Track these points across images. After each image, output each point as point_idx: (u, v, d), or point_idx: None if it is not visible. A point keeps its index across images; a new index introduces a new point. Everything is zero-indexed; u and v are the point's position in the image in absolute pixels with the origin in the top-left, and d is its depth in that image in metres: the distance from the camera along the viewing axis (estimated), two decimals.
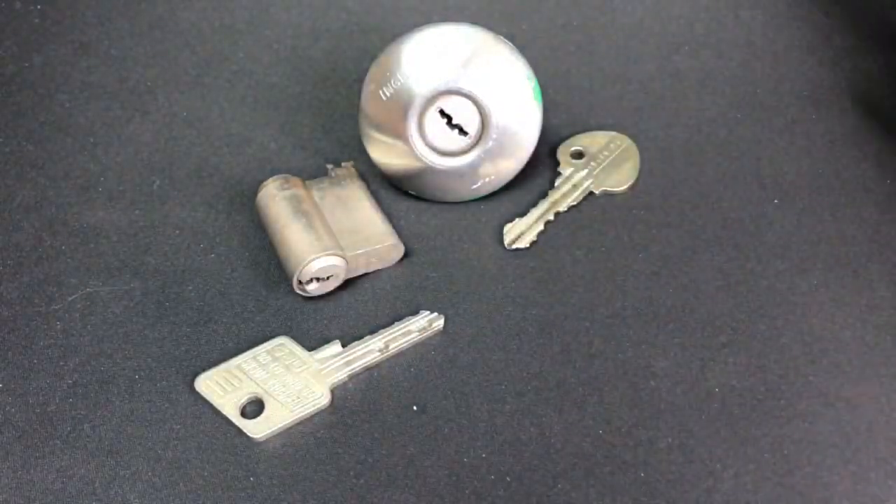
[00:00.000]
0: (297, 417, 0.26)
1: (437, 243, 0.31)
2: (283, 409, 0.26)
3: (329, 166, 0.33)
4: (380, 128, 0.31)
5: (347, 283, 0.29)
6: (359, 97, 0.31)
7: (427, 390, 0.27)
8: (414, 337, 0.28)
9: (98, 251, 0.30)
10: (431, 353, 0.28)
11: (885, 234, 0.32)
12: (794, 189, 0.33)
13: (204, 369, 0.27)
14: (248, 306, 0.29)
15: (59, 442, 0.25)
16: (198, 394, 0.26)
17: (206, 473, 0.25)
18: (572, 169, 0.34)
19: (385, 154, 0.31)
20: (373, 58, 0.31)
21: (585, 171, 0.33)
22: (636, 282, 0.30)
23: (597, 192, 0.33)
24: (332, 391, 0.26)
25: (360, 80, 0.31)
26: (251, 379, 0.26)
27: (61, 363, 0.27)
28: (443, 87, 0.29)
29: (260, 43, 0.39)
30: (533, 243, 0.31)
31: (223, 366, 0.27)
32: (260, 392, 0.26)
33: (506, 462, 0.25)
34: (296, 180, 0.31)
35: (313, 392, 0.26)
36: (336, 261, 0.28)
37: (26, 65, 0.38)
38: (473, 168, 0.31)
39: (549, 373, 0.27)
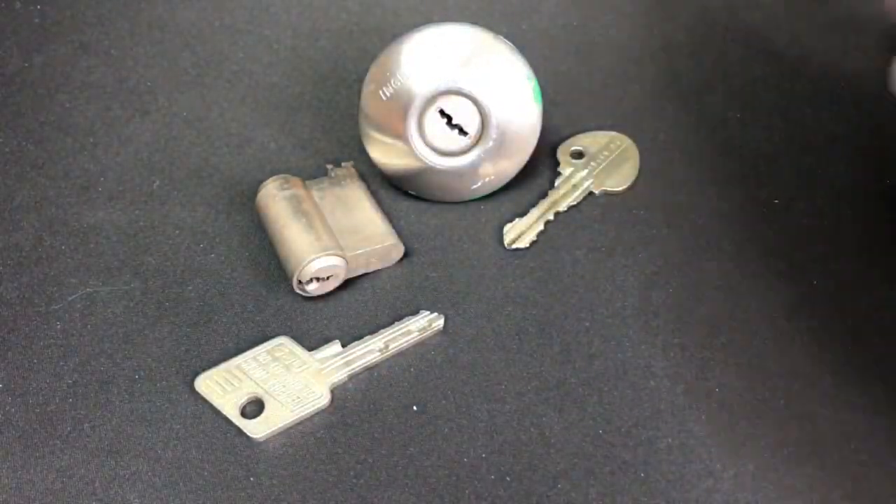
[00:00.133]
0: (297, 417, 0.26)
1: (437, 243, 0.31)
2: (283, 409, 0.26)
3: (329, 166, 0.33)
4: (380, 128, 0.31)
5: (347, 283, 0.29)
6: (359, 97, 0.31)
7: (427, 390, 0.27)
8: (414, 337, 0.28)
9: (98, 251, 0.30)
10: (431, 353, 0.28)
11: (886, 235, 0.32)
12: (794, 189, 0.33)
13: (204, 369, 0.27)
14: (248, 306, 0.29)
15: (59, 442, 0.25)
16: (198, 394, 0.26)
17: (206, 473, 0.25)
18: (572, 169, 0.34)
19: (385, 154, 0.31)
20: (373, 58, 0.31)
21: (585, 171, 0.33)
22: (636, 282, 0.30)
23: (597, 192, 0.33)
24: (332, 391, 0.26)
25: (360, 80, 0.31)
26: (251, 379, 0.26)
27: (61, 363, 0.27)
28: (443, 87, 0.29)
29: (260, 43, 0.39)
30: (533, 243, 0.31)
31: (223, 366, 0.27)
32: (260, 392, 0.26)
33: (506, 462, 0.25)
34: (296, 180, 0.31)
35: (313, 392, 0.26)
36: (336, 261, 0.28)
37: (26, 65, 0.38)
38: (473, 168, 0.31)
39: (549, 373, 0.27)
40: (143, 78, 0.37)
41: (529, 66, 0.31)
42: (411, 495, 0.24)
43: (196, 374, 0.27)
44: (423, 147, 0.30)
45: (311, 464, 0.25)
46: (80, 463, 0.25)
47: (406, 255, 0.30)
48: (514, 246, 0.31)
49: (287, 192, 0.30)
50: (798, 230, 0.32)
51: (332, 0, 0.41)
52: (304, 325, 0.28)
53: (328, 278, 0.28)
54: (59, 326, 0.28)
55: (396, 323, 0.28)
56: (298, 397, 0.26)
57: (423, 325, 0.28)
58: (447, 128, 0.30)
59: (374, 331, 0.28)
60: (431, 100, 0.30)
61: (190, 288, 0.29)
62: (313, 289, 0.28)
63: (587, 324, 0.29)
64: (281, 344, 0.27)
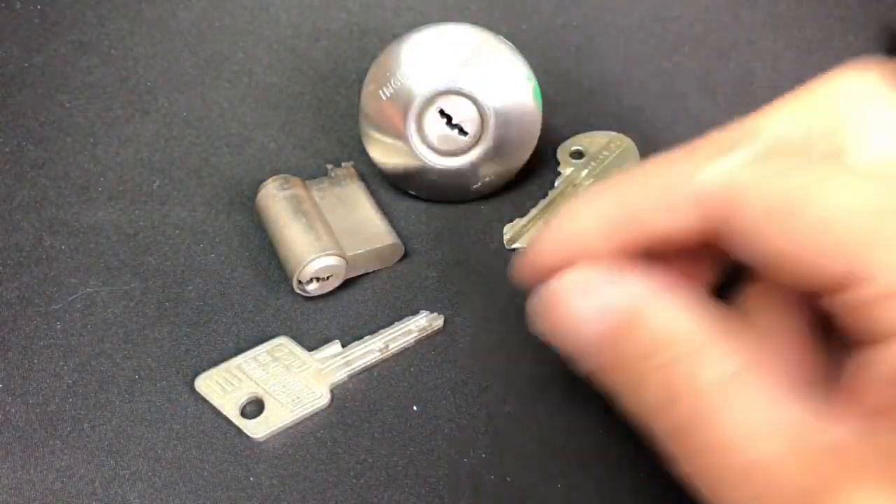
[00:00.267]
0: (296, 417, 0.26)
1: (437, 243, 0.31)
2: (283, 409, 0.26)
3: (329, 166, 0.33)
4: (380, 128, 0.31)
5: (347, 283, 0.29)
6: (359, 97, 0.31)
7: (427, 390, 0.27)
8: (414, 337, 0.28)
9: (98, 251, 0.30)
10: (431, 353, 0.28)
11: None
12: None
13: (204, 369, 0.27)
14: (248, 306, 0.29)
15: (59, 442, 0.25)
16: (198, 394, 0.26)
17: (206, 473, 0.25)
18: (572, 169, 0.34)
19: (385, 154, 0.31)
20: (373, 58, 0.31)
21: (585, 171, 0.33)
22: None
23: None
24: (332, 391, 0.26)
25: (360, 80, 0.31)
26: (251, 379, 0.26)
27: (61, 363, 0.27)
28: (443, 87, 0.29)
29: (260, 43, 0.39)
30: None
31: (223, 366, 0.27)
32: (260, 392, 0.26)
33: (506, 462, 0.25)
34: (296, 180, 0.31)
35: (313, 392, 0.26)
36: (336, 261, 0.28)
37: (26, 65, 0.38)
38: (473, 168, 0.31)
39: (549, 372, 0.27)
40: (143, 78, 0.37)
41: (529, 66, 0.31)
42: (411, 495, 0.24)
43: (196, 374, 0.27)
44: (423, 147, 0.30)
45: (311, 464, 0.25)
46: (80, 463, 0.25)
47: (406, 255, 0.30)
48: (513, 246, 0.31)
49: (287, 192, 0.30)
50: None
51: (332, 0, 0.41)
52: (304, 325, 0.28)
53: (328, 278, 0.28)
54: (59, 326, 0.28)
55: (396, 323, 0.28)
56: (298, 397, 0.26)
57: (423, 325, 0.28)
58: (447, 128, 0.30)
59: (374, 331, 0.28)
60: (431, 100, 0.30)
61: (190, 288, 0.29)
62: (313, 289, 0.28)
63: None
64: (281, 344, 0.27)
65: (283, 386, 0.26)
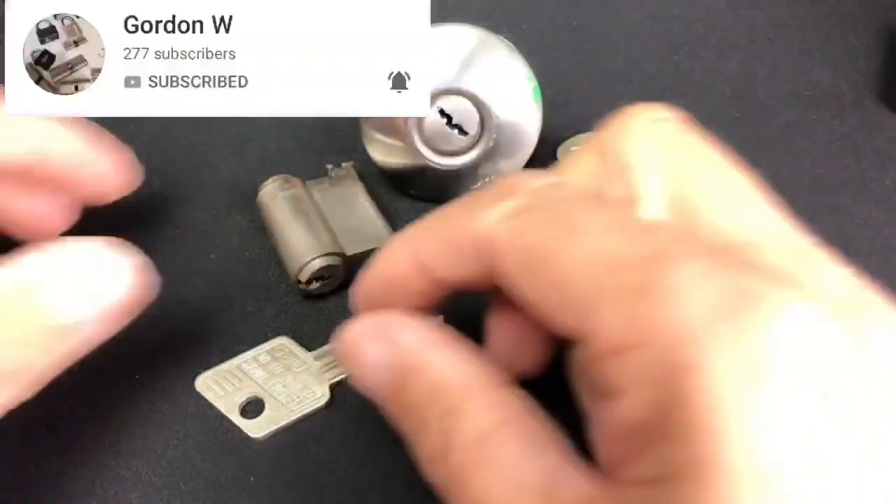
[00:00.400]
0: (296, 417, 0.26)
1: None
2: (282, 408, 0.26)
3: (329, 166, 0.33)
4: (380, 128, 0.31)
5: (347, 283, 0.29)
6: None
7: None
8: None
9: None
10: None
11: (886, 235, 0.32)
12: (794, 189, 0.33)
13: (204, 369, 0.27)
14: (248, 306, 0.29)
15: (59, 442, 0.25)
16: (198, 394, 0.26)
17: (206, 473, 0.25)
18: None
19: (385, 154, 0.31)
20: None
21: None
22: None
23: None
24: (332, 391, 0.26)
25: None
26: (251, 379, 0.26)
27: None
28: (443, 87, 0.29)
29: None
30: None
31: (223, 366, 0.27)
32: (260, 392, 0.26)
33: None
34: (296, 180, 0.31)
35: (313, 392, 0.26)
36: (336, 261, 0.28)
37: None
38: (473, 168, 0.31)
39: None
40: None
41: (529, 66, 0.31)
42: (411, 495, 0.24)
43: (196, 374, 0.27)
44: (423, 147, 0.30)
45: (311, 464, 0.25)
46: (80, 463, 0.25)
47: None
48: None
49: (287, 193, 0.30)
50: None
51: None
52: (304, 325, 0.28)
53: (328, 278, 0.28)
54: None
55: None
56: (298, 397, 0.26)
57: None
58: (447, 128, 0.30)
59: None
60: (431, 100, 0.30)
61: (190, 288, 0.29)
62: (314, 288, 0.28)
63: None
64: (281, 344, 0.27)
65: (283, 386, 0.26)
